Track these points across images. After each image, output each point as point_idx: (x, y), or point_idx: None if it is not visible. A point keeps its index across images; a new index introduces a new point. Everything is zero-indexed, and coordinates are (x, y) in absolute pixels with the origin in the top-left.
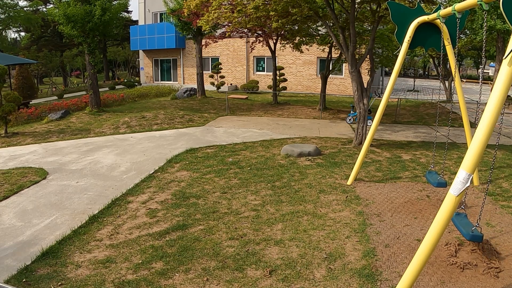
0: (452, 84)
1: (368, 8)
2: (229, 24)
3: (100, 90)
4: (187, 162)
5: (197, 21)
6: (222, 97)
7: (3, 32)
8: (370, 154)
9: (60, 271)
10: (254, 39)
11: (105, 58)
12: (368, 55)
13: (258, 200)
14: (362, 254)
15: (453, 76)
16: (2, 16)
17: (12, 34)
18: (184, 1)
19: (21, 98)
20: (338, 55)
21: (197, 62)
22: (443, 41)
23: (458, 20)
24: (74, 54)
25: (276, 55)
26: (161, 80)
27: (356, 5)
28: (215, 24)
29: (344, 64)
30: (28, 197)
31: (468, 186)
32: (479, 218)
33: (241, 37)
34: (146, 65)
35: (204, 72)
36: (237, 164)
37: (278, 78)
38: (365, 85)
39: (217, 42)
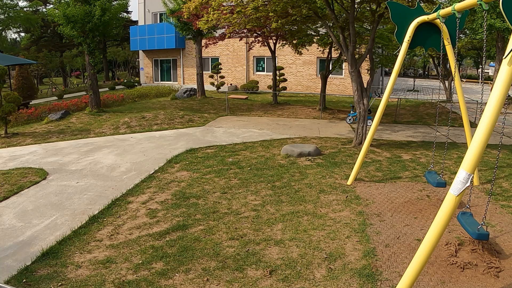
0: (452, 84)
1: (368, 8)
2: (229, 26)
3: (100, 90)
4: (187, 162)
5: (197, 22)
6: (222, 97)
7: (3, 32)
8: (370, 154)
9: (60, 271)
10: (253, 39)
11: (105, 58)
12: (368, 55)
13: (258, 200)
14: (362, 254)
15: (453, 76)
16: (2, 17)
17: (12, 34)
18: (183, 4)
19: (21, 98)
20: (338, 55)
21: (197, 62)
22: (443, 41)
23: (458, 20)
24: (74, 54)
25: (276, 55)
26: (161, 80)
27: (356, 5)
28: (214, 25)
29: (344, 64)
30: (28, 198)
31: (468, 186)
32: (484, 217)
33: (240, 37)
34: (146, 65)
35: (204, 72)
36: (237, 164)
37: (278, 78)
38: (365, 85)
39: (216, 43)
